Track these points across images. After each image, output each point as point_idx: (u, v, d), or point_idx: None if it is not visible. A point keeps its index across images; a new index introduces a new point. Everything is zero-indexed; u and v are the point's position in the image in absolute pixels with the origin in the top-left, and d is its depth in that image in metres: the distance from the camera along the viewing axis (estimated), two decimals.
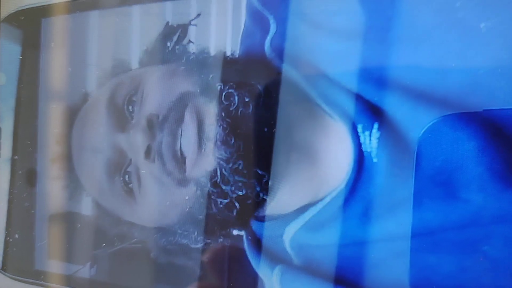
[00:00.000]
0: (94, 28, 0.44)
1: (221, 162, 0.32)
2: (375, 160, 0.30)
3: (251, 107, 0.32)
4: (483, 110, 0.28)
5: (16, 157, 0.47)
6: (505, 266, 0.27)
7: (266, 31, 0.36)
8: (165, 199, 0.35)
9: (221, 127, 0.32)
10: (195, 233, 0.35)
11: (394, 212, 0.30)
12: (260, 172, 0.33)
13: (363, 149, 0.31)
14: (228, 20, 0.38)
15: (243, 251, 0.36)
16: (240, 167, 0.32)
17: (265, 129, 0.33)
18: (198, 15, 0.40)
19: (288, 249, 0.35)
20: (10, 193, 0.47)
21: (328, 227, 0.32)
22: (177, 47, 0.39)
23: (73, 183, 0.41)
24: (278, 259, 0.35)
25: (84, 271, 0.43)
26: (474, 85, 0.28)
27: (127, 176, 0.36)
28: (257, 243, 0.36)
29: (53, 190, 0.45)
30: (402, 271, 0.30)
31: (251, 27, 0.38)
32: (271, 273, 0.34)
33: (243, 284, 0.37)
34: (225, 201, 0.33)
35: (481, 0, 0.28)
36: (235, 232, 0.35)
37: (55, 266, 0.45)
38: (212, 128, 0.32)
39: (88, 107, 0.40)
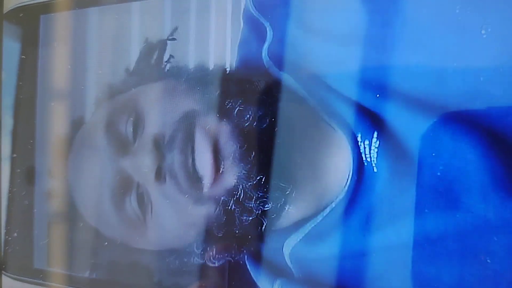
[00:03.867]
0: (94, 24, 0.44)
1: (242, 178, 0.32)
2: (375, 170, 0.30)
3: (263, 121, 0.32)
4: (484, 115, 0.28)
5: (15, 155, 0.47)
6: (505, 276, 0.27)
7: (262, 39, 0.35)
8: (180, 220, 0.34)
9: (238, 144, 0.32)
10: (213, 251, 0.35)
11: (395, 222, 0.30)
12: (282, 184, 0.32)
13: (363, 159, 0.31)
14: (227, 32, 0.37)
15: (243, 263, 0.36)
16: (262, 182, 0.32)
17: (278, 141, 0.32)
18: (175, 29, 0.38)
19: (288, 262, 0.34)
20: (10, 191, 0.47)
21: (328, 239, 0.32)
22: (167, 64, 0.38)
23: (73, 213, 0.39)
24: (279, 272, 0.34)
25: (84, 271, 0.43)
26: (475, 91, 0.28)
27: (135, 202, 0.35)
28: (257, 255, 0.35)
29: (53, 192, 0.44)
30: (402, 281, 0.30)
31: (248, 35, 0.37)
32: (271, 286, 0.34)
33: None
34: (250, 217, 0.32)
35: (481, 5, 0.28)
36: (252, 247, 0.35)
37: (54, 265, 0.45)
38: (228, 146, 0.32)
39: (83, 135, 0.39)
